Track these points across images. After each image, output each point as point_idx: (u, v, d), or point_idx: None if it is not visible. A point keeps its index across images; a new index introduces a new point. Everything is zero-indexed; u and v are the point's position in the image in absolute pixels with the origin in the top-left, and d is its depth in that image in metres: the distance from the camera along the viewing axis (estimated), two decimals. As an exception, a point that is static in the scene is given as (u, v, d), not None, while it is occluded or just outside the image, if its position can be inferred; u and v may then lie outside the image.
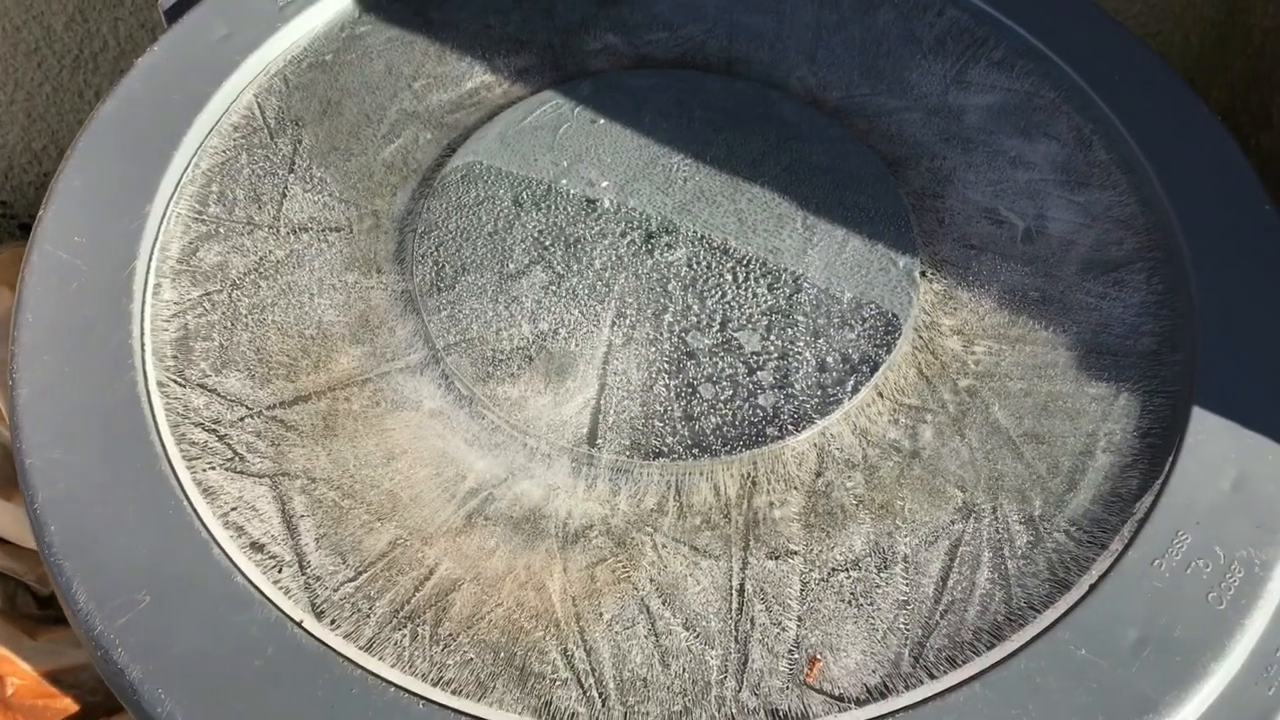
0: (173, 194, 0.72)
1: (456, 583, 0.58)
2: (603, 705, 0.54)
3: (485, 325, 0.66)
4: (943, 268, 0.71)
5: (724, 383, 0.64)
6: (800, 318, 0.67)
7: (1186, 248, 0.70)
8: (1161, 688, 0.54)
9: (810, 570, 0.59)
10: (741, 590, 0.58)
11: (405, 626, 0.57)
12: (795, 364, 0.65)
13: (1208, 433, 0.62)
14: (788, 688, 0.55)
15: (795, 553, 0.59)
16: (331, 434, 0.63)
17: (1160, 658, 0.55)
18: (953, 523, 0.61)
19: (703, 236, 0.71)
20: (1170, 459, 0.62)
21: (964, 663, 0.56)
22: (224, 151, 0.75)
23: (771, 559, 0.59)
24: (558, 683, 0.55)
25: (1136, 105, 0.77)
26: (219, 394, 0.64)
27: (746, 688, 0.55)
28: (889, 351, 0.66)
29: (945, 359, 0.67)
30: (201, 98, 0.76)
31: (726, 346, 0.66)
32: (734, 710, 0.54)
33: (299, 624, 0.56)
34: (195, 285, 0.68)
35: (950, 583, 0.59)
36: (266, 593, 0.57)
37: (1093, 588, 0.57)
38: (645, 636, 0.57)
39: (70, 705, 0.89)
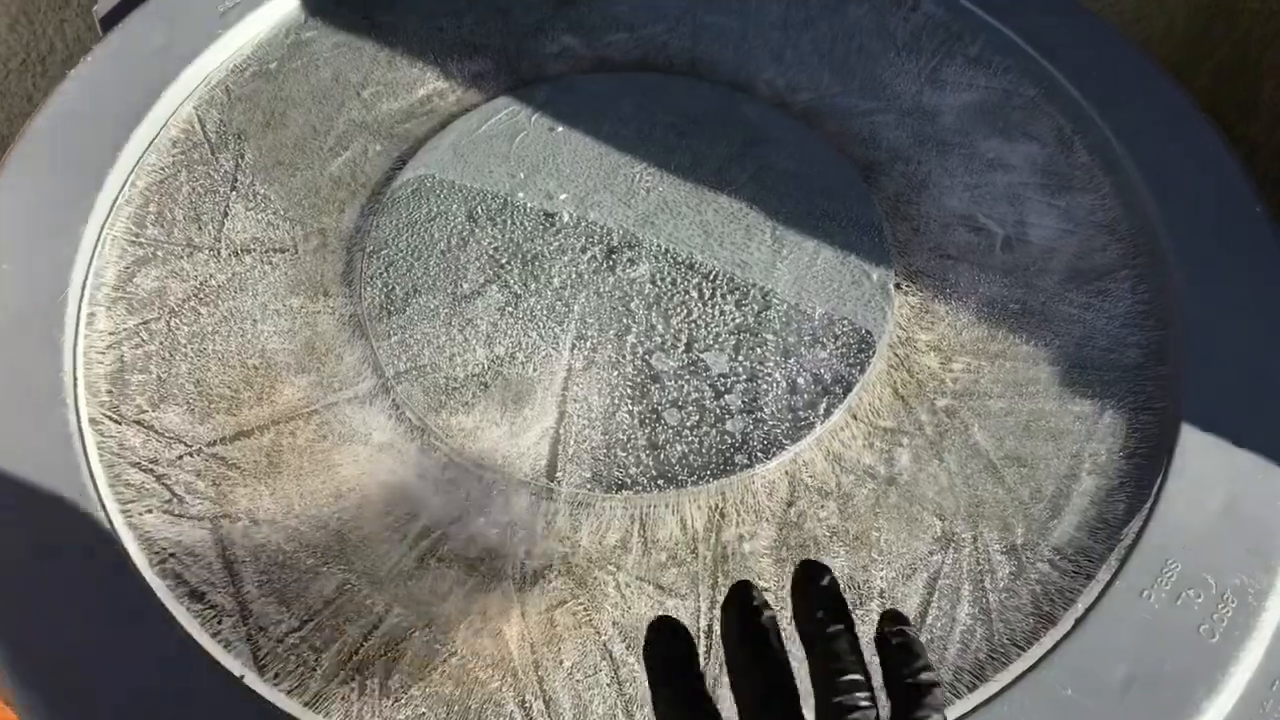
0: (108, 215, 0.68)
1: (408, 630, 0.55)
2: (563, 760, 0.51)
3: (438, 351, 0.63)
4: (918, 279, 0.67)
5: (690, 407, 0.61)
6: (770, 336, 0.64)
7: (1173, 253, 0.67)
8: (1152, 729, 0.51)
9: (783, 608, 0.56)
10: (710, 632, 0.55)
11: (353, 679, 0.53)
12: (765, 386, 0.62)
13: (1196, 451, 0.59)
14: (759, 737, 0.52)
15: (767, 589, 0.56)
16: (276, 471, 0.59)
17: (1150, 695, 0.52)
18: (931, 553, 0.58)
19: (667, 250, 0.67)
20: (1158, 481, 0.59)
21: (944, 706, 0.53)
22: (162, 169, 0.71)
23: (741, 597, 0.56)
24: (515, 737, 0.52)
25: (1119, 102, 0.74)
26: (156, 430, 0.60)
27: (715, 738, 0.52)
28: (863, 371, 0.62)
29: (922, 377, 0.64)
30: (139, 111, 0.72)
31: (693, 368, 0.62)
32: (702, 762, 0.51)
33: (239, 679, 0.53)
34: (131, 313, 0.65)
35: (929, 619, 0.56)
36: (205, 646, 0.53)
37: (1079, 621, 0.55)
38: (608, 685, 0.53)
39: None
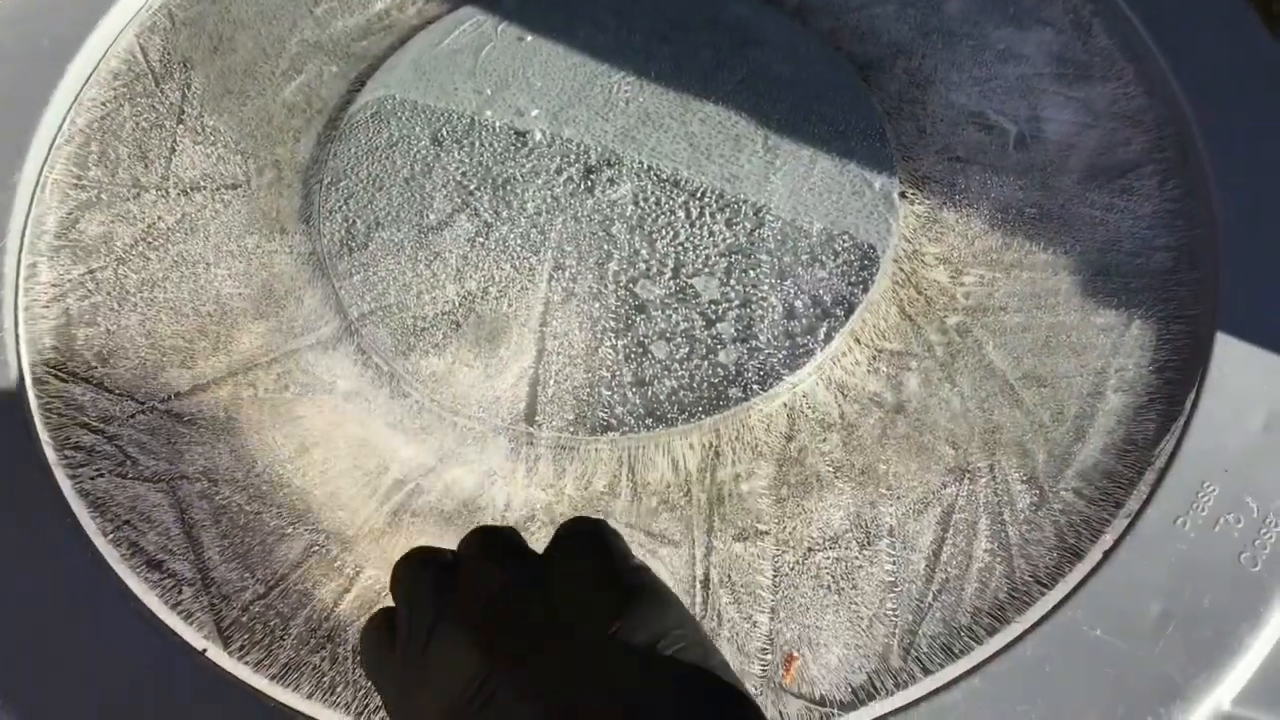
0: (46, 157, 0.63)
1: (382, 592, 0.51)
2: (551, 726, 0.48)
3: (404, 288, 0.58)
4: (925, 186, 0.62)
5: (679, 339, 0.56)
6: (764, 257, 0.58)
7: (1204, 145, 0.61)
8: (1190, 669, 0.47)
9: (783, 552, 0.52)
10: (706, 581, 0.51)
11: (324, 648, 0.50)
12: (760, 312, 0.57)
13: (1234, 364, 0.54)
14: (761, 692, 0.48)
15: (766, 533, 0.52)
16: (235, 426, 0.55)
17: (1188, 633, 0.48)
18: (944, 486, 0.53)
19: (650, 168, 0.62)
20: (1192, 396, 0.54)
21: (962, 652, 0.49)
22: (103, 104, 0.66)
23: (739, 541, 0.52)
24: (499, 703, 0.48)
25: (1142, -21, 0.67)
26: (106, 388, 0.56)
27: (714, 696, 0.48)
28: (866, 290, 0.57)
29: (931, 294, 0.58)
30: (74, 42, 0.66)
31: (681, 296, 0.57)
32: (701, 723, 0.48)
33: (202, 653, 0.49)
34: (76, 262, 0.60)
35: (944, 557, 0.51)
36: (164, 619, 0.50)
37: (1107, 555, 0.50)
38: (597, 643, 0.50)
39: None
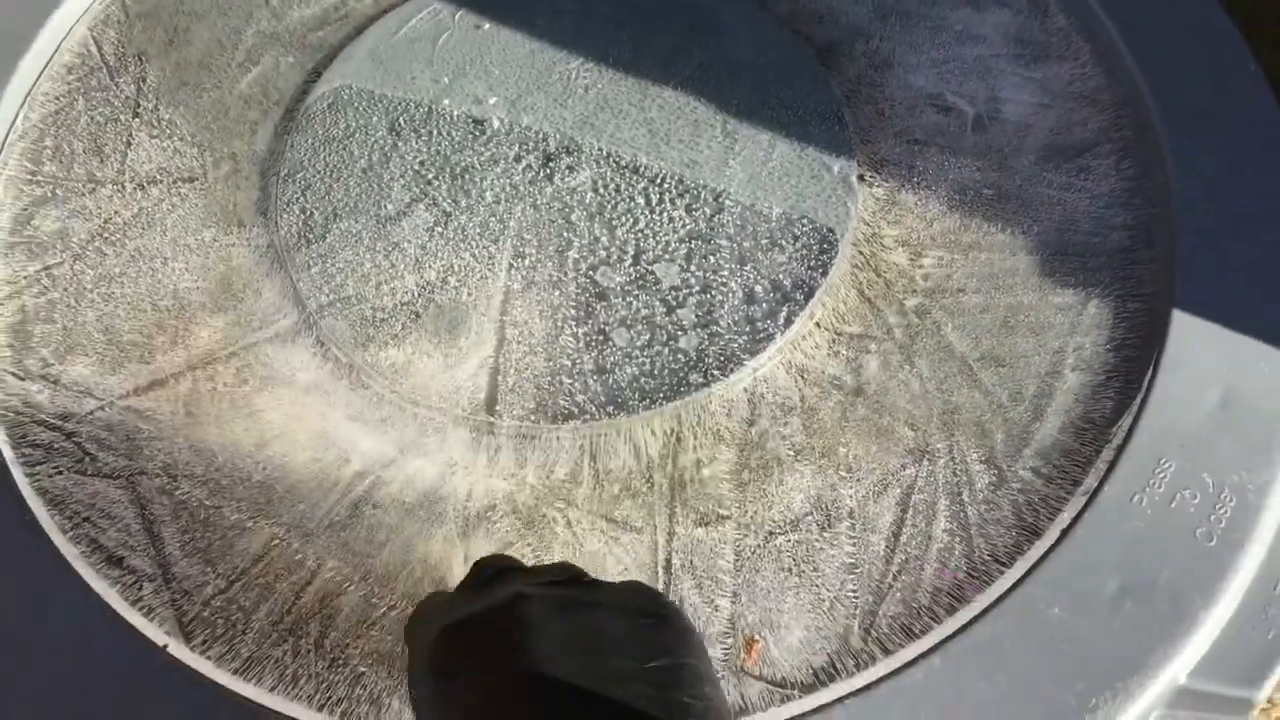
0: (-1, 153, 0.63)
1: (343, 584, 0.51)
2: (514, 715, 0.48)
3: (363, 279, 0.58)
4: (883, 169, 0.62)
5: (640, 326, 0.56)
6: (724, 242, 0.58)
7: (1161, 123, 0.61)
8: (1147, 645, 0.47)
9: (744, 536, 0.52)
10: (668, 566, 0.51)
11: (286, 640, 0.50)
12: (720, 297, 0.57)
13: (1191, 341, 0.54)
14: (723, 675, 0.49)
15: (727, 517, 0.52)
16: (194, 421, 0.55)
17: (1144, 610, 0.48)
18: (904, 467, 0.53)
19: (609, 154, 0.62)
20: (1149, 375, 0.54)
21: (922, 632, 0.49)
22: (57, 98, 0.65)
23: (701, 526, 0.52)
24: (462, 692, 0.48)
25: (1098, -42, 0.67)
26: (64, 385, 0.56)
27: (677, 680, 0.48)
28: (825, 273, 0.57)
29: (890, 276, 0.58)
30: (26, 35, 0.66)
31: (641, 283, 0.57)
32: (664, 708, 0.48)
33: (163, 649, 0.49)
34: (32, 259, 0.60)
35: (903, 538, 0.51)
36: (125, 616, 0.50)
37: (1065, 533, 0.50)
38: (560, 630, 0.50)
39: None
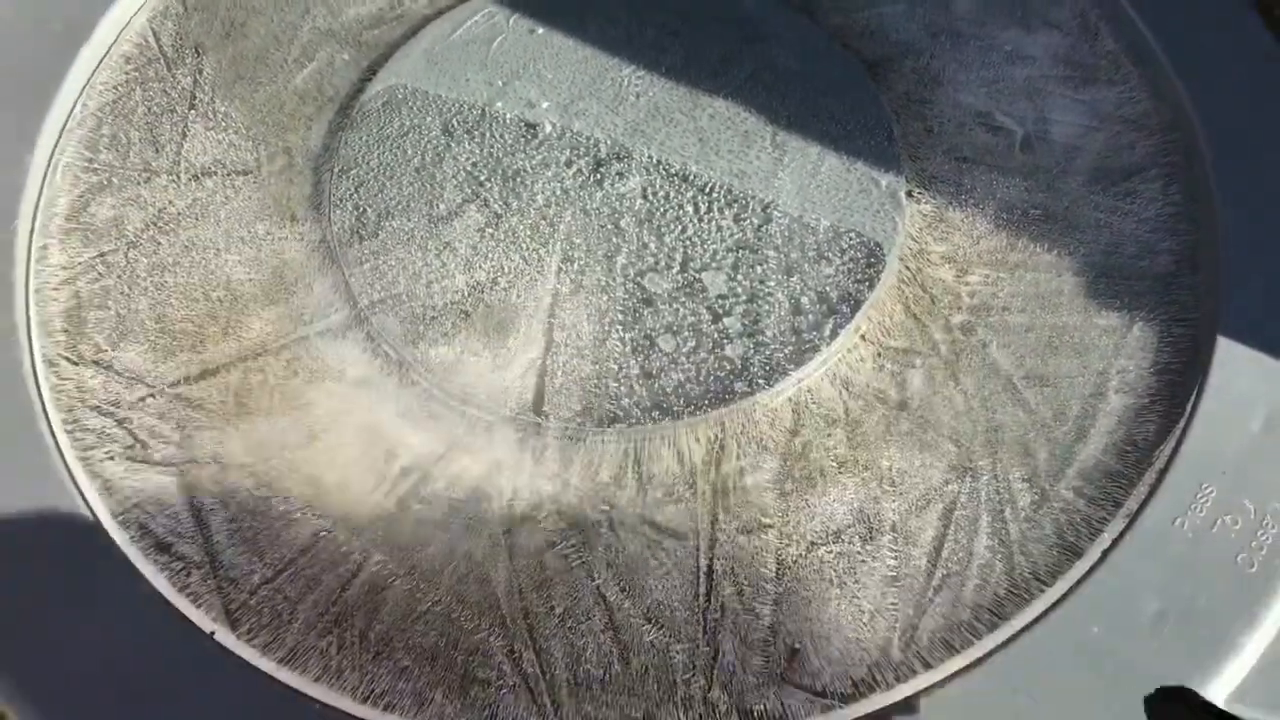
0: (57, 140, 0.63)
1: (389, 578, 0.52)
2: (555, 713, 0.48)
3: (414, 277, 0.58)
4: (931, 185, 0.62)
5: (686, 333, 0.57)
6: (771, 252, 0.59)
7: (1208, 149, 0.61)
8: (1185, 668, 0.48)
9: (786, 545, 0.52)
10: (710, 572, 0.52)
11: (332, 632, 0.50)
12: (766, 307, 0.57)
13: (1234, 366, 0.55)
14: (763, 684, 0.49)
15: (770, 526, 0.53)
16: (244, 411, 0.56)
17: (1184, 632, 0.48)
18: (946, 483, 0.54)
19: (659, 162, 0.62)
20: (1192, 399, 0.54)
21: (962, 647, 0.49)
22: (115, 87, 0.66)
23: (743, 534, 0.52)
24: (504, 689, 0.49)
25: (1149, -16, 0.68)
26: (116, 371, 0.57)
27: (716, 685, 0.49)
28: (871, 287, 0.58)
29: (936, 292, 0.59)
30: (86, 25, 0.67)
31: (688, 290, 0.58)
32: (703, 712, 0.48)
33: (210, 635, 0.50)
34: (87, 245, 0.60)
35: (945, 553, 0.52)
36: (173, 601, 0.50)
37: (1105, 554, 0.51)
38: (602, 631, 0.50)
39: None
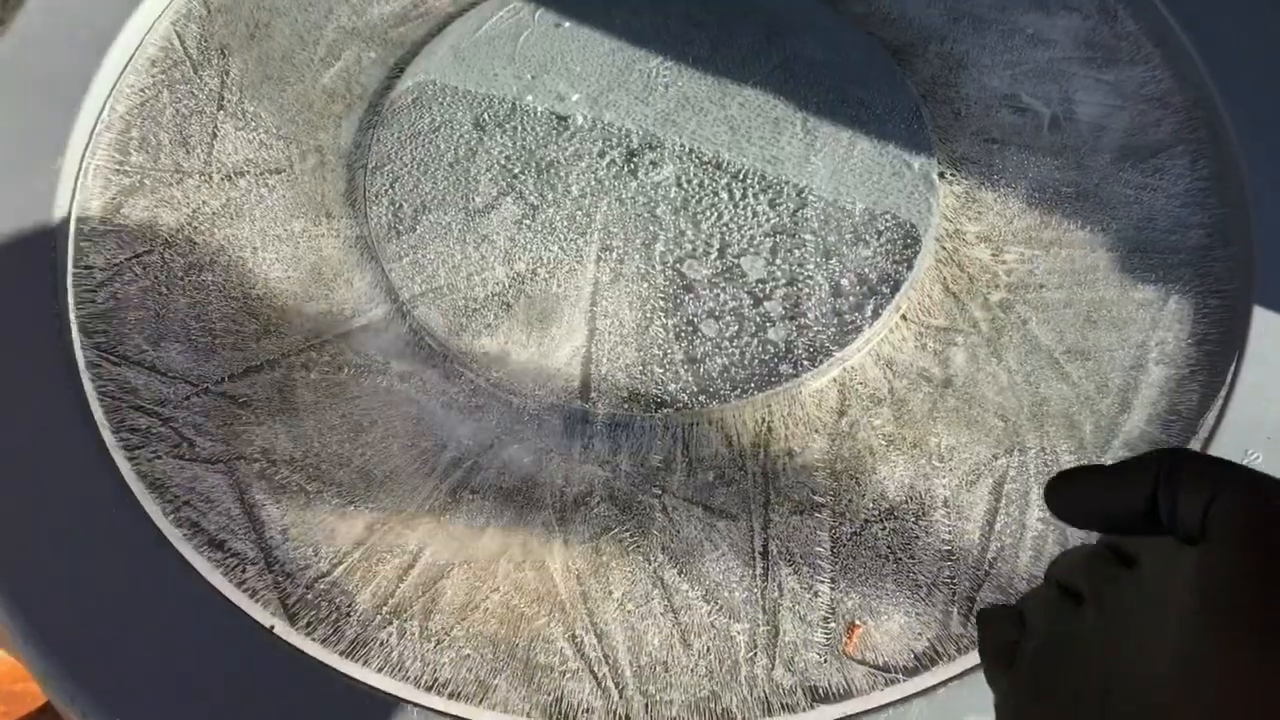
0: (87, 144, 0.63)
1: (445, 568, 0.51)
2: (620, 696, 0.48)
3: (454, 270, 0.59)
4: (963, 166, 0.63)
5: (728, 317, 0.57)
6: (808, 236, 0.59)
7: (1232, 125, 0.62)
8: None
9: (840, 524, 0.52)
10: (765, 552, 0.52)
11: (391, 623, 0.50)
12: (806, 290, 0.58)
13: (1272, 335, 0.55)
14: (826, 660, 0.49)
15: (822, 505, 0.53)
16: (290, 407, 0.56)
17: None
18: (995, 457, 0.54)
19: (691, 150, 0.63)
20: (1232, 367, 0.55)
21: (1021, 618, 0.50)
22: (142, 90, 0.66)
23: (796, 514, 0.53)
24: (568, 674, 0.49)
25: (1165, -35, 0.69)
26: (159, 371, 0.56)
27: (780, 664, 0.49)
28: (910, 267, 0.58)
29: (973, 271, 0.59)
30: (111, 30, 0.66)
31: (728, 275, 0.58)
32: (767, 690, 0.49)
33: (269, 630, 0.49)
34: (122, 247, 0.60)
35: (997, 526, 0.52)
36: (230, 596, 0.50)
37: (1158, 521, 0.51)
38: (662, 614, 0.50)
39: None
